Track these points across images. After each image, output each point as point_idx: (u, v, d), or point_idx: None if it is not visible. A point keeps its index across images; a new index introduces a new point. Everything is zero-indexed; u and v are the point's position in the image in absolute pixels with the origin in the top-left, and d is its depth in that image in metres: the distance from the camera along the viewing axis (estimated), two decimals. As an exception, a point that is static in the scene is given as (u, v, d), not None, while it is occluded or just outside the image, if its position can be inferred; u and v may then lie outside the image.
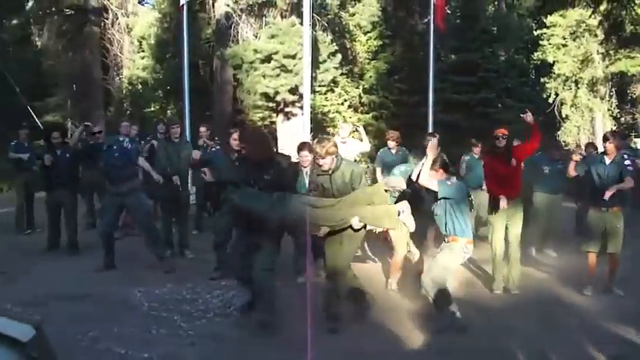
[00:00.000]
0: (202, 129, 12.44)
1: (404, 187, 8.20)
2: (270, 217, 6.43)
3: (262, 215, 6.46)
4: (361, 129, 13.07)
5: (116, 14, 27.47)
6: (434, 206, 7.23)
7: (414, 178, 7.61)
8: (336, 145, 6.90)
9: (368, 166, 20.82)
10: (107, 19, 27.30)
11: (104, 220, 10.08)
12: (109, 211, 9.90)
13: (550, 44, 27.68)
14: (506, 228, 8.73)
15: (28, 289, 8.44)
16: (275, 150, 7.70)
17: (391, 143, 11.77)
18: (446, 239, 7.10)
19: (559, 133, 27.66)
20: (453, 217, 6.95)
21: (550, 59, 27.51)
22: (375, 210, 6.70)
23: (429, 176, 7.10)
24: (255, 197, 6.63)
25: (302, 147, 9.02)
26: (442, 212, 7.07)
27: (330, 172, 6.88)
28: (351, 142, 11.83)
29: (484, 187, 11.70)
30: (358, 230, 6.71)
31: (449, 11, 28.15)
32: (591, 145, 13.27)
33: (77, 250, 10.95)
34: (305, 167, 8.83)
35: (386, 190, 7.38)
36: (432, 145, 7.48)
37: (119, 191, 9.57)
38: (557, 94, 27.60)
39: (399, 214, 7.17)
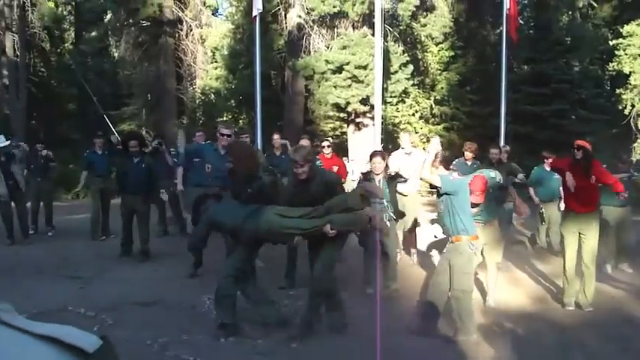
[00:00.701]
0: (275, 136, 12.48)
1: (381, 196, 8.14)
2: (242, 229, 6.65)
3: (233, 228, 6.78)
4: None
5: (190, 26, 27.95)
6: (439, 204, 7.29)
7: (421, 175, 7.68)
8: (311, 153, 7.12)
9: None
10: (182, 30, 27.80)
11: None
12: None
13: (626, 54, 27.04)
14: (581, 242, 8.52)
15: (101, 294, 8.61)
16: (259, 166, 7.97)
17: (468, 154, 11.61)
18: (450, 240, 7.02)
19: (634, 145, 27.03)
20: (455, 215, 6.83)
21: (626, 70, 26.85)
22: (346, 215, 6.67)
23: (430, 172, 7.05)
24: (228, 210, 6.95)
25: (374, 154, 9.14)
26: (444, 210, 7.00)
27: (307, 181, 6.86)
28: (416, 154, 11.50)
29: (555, 200, 11.76)
30: (335, 236, 6.72)
31: (521, 22, 27.92)
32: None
33: (148, 258, 10.98)
34: (378, 174, 8.96)
35: (363, 195, 7.22)
36: (434, 143, 7.46)
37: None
38: (633, 106, 26.91)
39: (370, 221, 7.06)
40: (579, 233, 8.35)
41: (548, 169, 12.02)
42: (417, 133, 26.12)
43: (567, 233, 8.49)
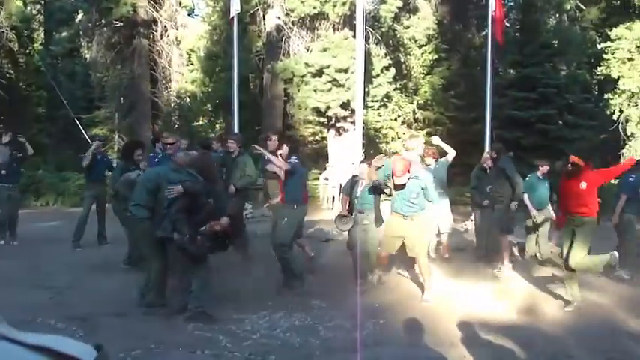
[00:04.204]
0: (273, 137, 12.11)
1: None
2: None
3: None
4: (437, 139, 12.73)
5: (165, 26, 27.83)
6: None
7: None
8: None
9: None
10: (156, 31, 27.68)
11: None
12: None
13: (615, 58, 27.25)
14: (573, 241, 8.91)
15: (72, 304, 8.60)
16: (216, 177, 8.71)
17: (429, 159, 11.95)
18: None
19: (623, 152, 27.20)
20: None
21: (615, 74, 27.04)
22: None
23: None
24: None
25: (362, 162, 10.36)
26: None
27: None
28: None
29: (545, 208, 11.95)
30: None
31: (507, 24, 28.15)
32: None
33: (134, 265, 10.86)
34: (364, 179, 9.90)
35: None
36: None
37: None
38: (621, 111, 27.10)
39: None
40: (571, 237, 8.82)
41: (540, 177, 12.17)
42: (399, 138, 26.13)
43: (565, 234, 9.16)
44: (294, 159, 10.03)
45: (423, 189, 9.03)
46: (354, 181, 10.21)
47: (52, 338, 1.23)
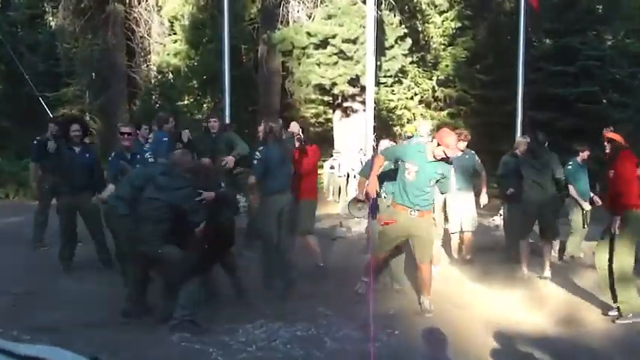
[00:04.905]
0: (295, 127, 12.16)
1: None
2: None
3: None
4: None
5: (144, -11, 27.86)
6: None
7: None
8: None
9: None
10: (133, -5, 27.70)
11: None
12: None
13: (671, 26, 27.20)
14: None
15: (38, 313, 8.58)
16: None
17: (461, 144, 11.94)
18: None
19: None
20: None
21: (670, 44, 27.02)
22: None
23: None
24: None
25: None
26: None
27: None
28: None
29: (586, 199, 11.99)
30: None
31: (544, -14, 28.05)
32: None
33: (110, 265, 10.93)
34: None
35: None
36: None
37: None
38: (677, 88, 27.08)
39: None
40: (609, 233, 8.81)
41: (581, 162, 12.21)
42: (416, 120, 26.12)
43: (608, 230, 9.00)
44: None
45: (443, 177, 8.63)
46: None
47: (46, 349, 1.29)
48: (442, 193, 9.44)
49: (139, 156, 10.60)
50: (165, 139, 11.35)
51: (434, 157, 8.36)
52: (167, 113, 13.84)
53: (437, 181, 8.61)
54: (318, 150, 11.66)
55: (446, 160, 8.46)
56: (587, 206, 12.01)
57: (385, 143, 10.06)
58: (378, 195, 9.51)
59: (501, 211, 13.82)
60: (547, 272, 10.96)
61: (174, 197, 7.80)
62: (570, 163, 12.30)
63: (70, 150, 10.90)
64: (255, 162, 9.78)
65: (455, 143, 8.58)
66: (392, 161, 9.17)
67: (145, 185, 8.17)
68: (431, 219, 9.28)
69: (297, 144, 10.68)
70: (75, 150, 10.91)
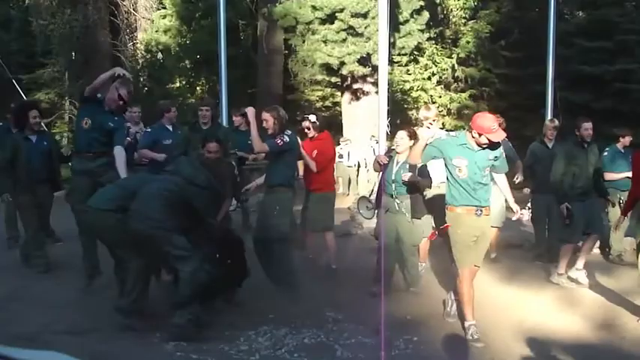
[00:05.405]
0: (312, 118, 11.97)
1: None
2: None
3: None
4: None
5: (129, -42, 27.85)
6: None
7: None
8: None
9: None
10: (117, -36, 27.69)
11: None
12: None
13: None
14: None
15: (12, 320, 8.51)
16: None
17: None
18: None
19: None
20: None
21: None
22: None
23: None
24: None
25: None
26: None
27: None
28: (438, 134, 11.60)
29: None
30: None
31: (576, -48, 27.99)
32: None
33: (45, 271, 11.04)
34: (400, 153, 9.74)
35: None
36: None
37: None
38: None
39: None
40: None
41: (622, 150, 12.17)
42: (434, 103, 26.12)
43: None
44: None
45: (496, 158, 8.29)
46: (388, 156, 10.14)
47: (41, 353, 1.36)
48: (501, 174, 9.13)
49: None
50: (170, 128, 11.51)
51: (479, 146, 8.04)
52: (169, 101, 13.90)
53: (492, 166, 8.33)
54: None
55: (493, 145, 8.13)
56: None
57: (402, 136, 9.94)
58: (394, 197, 9.66)
59: (529, 205, 13.77)
60: (578, 273, 10.84)
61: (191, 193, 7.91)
62: (607, 149, 12.29)
63: (27, 140, 10.97)
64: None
65: (497, 125, 8.14)
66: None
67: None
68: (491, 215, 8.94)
69: (312, 133, 10.75)
70: (32, 139, 11.00)
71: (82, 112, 10.24)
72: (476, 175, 8.05)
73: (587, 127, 10.68)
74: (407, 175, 9.46)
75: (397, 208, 9.69)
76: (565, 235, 10.91)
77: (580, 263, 10.78)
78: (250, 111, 9.51)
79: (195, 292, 7.67)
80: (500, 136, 8.05)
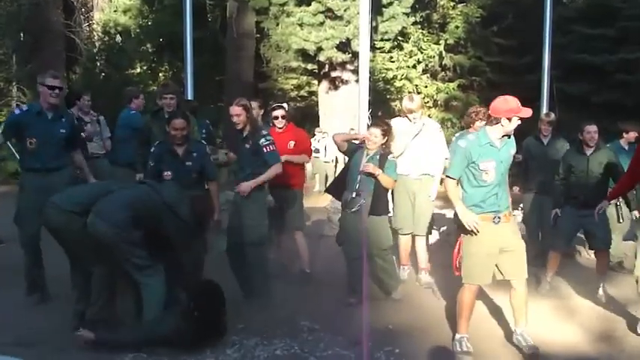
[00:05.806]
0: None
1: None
2: None
3: None
4: None
5: None
6: None
7: None
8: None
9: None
10: (71, -64, 27.59)
11: None
12: None
13: None
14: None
15: None
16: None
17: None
18: None
19: None
20: None
21: None
22: None
23: None
24: None
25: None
26: None
27: None
28: (430, 125, 11.53)
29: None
30: None
31: None
32: None
33: None
34: (370, 149, 9.74)
35: None
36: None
37: None
38: None
39: None
40: None
41: (626, 147, 12.19)
42: (419, 93, 26.16)
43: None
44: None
45: (516, 152, 8.16)
46: (356, 148, 10.11)
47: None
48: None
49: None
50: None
51: (505, 135, 7.82)
52: (135, 88, 13.84)
53: None
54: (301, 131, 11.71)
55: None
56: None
57: (375, 132, 9.84)
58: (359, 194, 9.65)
59: (521, 205, 13.77)
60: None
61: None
62: (609, 145, 12.29)
63: None
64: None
65: (517, 106, 7.89)
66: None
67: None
68: (515, 221, 8.91)
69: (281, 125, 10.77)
70: None
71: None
72: (501, 176, 7.78)
73: (589, 131, 10.53)
74: (369, 166, 9.44)
75: (359, 207, 9.62)
76: (553, 240, 10.99)
77: (600, 284, 10.49)
78: None
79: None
80: (528, 111, 7.89)
